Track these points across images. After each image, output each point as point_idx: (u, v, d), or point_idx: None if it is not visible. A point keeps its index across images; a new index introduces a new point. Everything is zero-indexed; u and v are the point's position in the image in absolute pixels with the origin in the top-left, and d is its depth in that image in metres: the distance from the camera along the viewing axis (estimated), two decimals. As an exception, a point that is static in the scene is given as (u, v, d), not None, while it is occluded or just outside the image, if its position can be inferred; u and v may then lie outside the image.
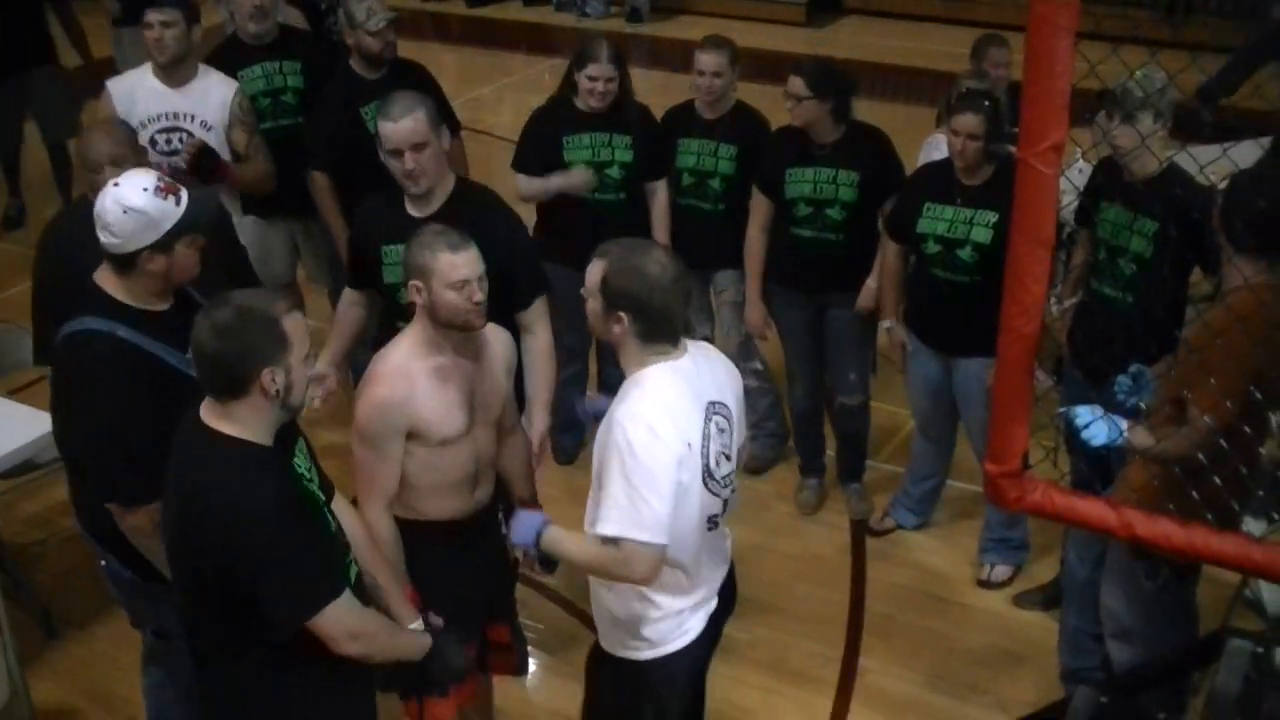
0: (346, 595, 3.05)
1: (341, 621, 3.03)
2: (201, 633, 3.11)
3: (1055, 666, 4.66)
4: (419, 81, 5.53)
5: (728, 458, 3.41)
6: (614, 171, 5.43)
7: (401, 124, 4.13)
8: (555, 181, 5.44)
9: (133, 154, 4.17)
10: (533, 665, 4.78)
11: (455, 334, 3.59)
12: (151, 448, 3.34)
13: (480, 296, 3.53)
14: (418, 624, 3.47)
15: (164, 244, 3.46)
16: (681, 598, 3.43)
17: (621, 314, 3.27)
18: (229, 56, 5.76)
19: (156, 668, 4.10)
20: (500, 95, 10.98)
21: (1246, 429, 3.59)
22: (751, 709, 4.67)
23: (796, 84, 5.10)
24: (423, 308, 3.55)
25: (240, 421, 2.97)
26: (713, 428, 3.34)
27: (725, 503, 3.45)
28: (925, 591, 5.31)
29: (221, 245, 4.32)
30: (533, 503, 3.97)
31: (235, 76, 5.63)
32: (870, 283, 5.29)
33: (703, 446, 3.30)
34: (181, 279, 3.57)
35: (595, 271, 3.33)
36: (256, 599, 2.93)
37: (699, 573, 3.44)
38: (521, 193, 5.52)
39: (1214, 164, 3.69)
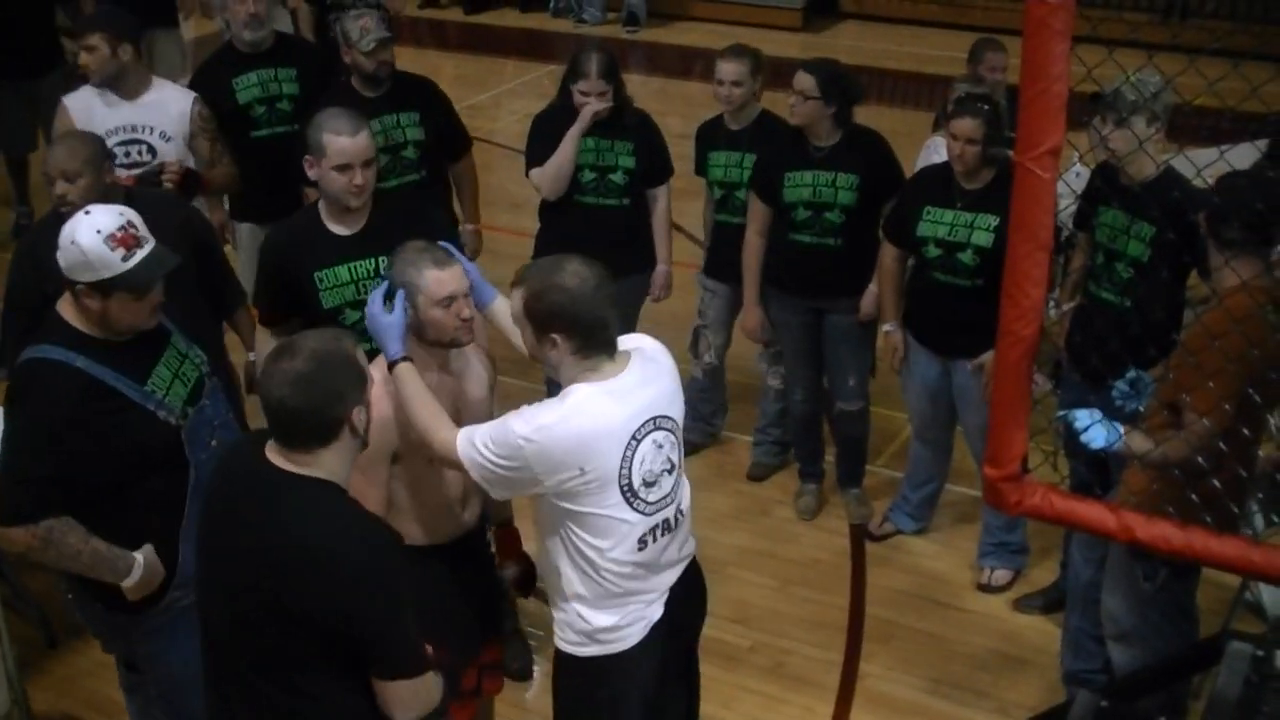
0: (435, 674, 2.98)
1: (421, 692, 2.94)
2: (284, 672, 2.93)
3: (1056, 670, 4.66)
4: (426, 98, 5.55)
5: (669, 471, 3.35)
6: (617, 177, 5.42)
7: (358, 139, 4.10)
8: (574, 130, 5.32)
9: (89, 169, 4.13)
10: (535, 673, 4.79)
11: (440, 351, 3.55)
12: (65, 472, 3.38)
13: (468, 313, 3.49)
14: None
15: (100, 288, 3.40)
16: (609, 613, 3.38)
17: (554, 335, 3.22)
18: (224, 64, 5.78)
19: (133, 695, 4.09)
20: (498, 102, 10.98)
21: (1245, 431, 3.59)
22: (753, 714, 4.66)
23: (806, 81, 5.08)
24: (408, 326, 3.49)
25: (325, 466, 2.88)
26: (648, 445, 3.29)
27: (668, 520, 3.40)
28: (925, 596, 5.31)
29: (201, 262, 4.32)
30: (509, 526, 3.97)
31: (230, 84, 5.65)
32: (873, 288, 5.28)
33: (622, 467, 3.24)
34: (120, 325, 3.49)
35: (516, 300, 3.29)
36: (366, 648, 2.85)
37: (630, 584, 3.38)
38: (543, 183, 5.43)
39: (1211, 167, 3.69)
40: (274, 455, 2.90)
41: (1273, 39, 9.82)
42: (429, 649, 3.54)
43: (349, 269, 4.20)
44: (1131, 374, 3.82)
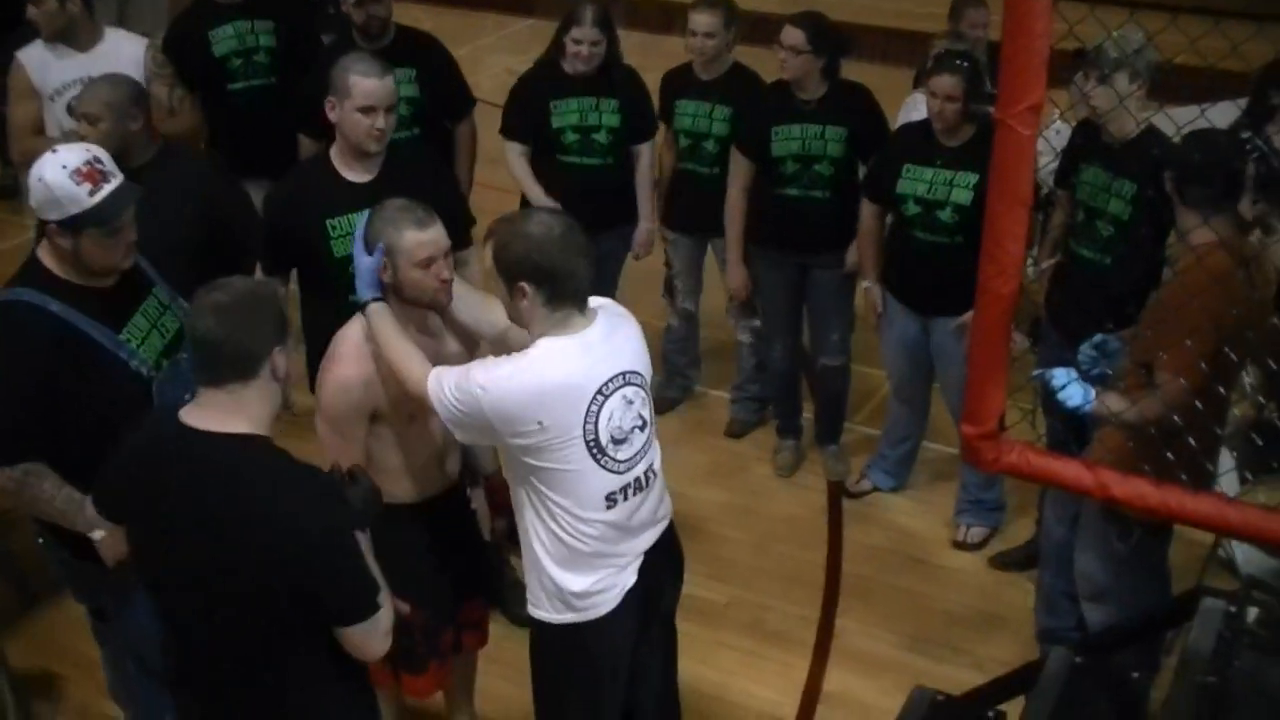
0: (384, 594, 2.96)
1: (385, 617, 2.94)
2: (253, 646, 2.93)
3: (1031, 626, 4.69)
4: (425, 56, 5.49)
5: (640, 429, 3.31)
6: (601, 136, 5.39)
7: (385, 81, 4.08)
8: (534, 192, 5.37)
9: (110, 114, 4.14)
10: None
11: (418, 311, 3.52)
12: (39, 416, 3.38)
13: (448, 274, 3.46)
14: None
15: (69, 226, 3.40)
16: (580, 575, 3.35)
17: (522, 284, 3.18)
18: (200, 16, 5.72)
19: (104, 646, 4.08)
20: (477, 56, 10.88)
21: (1219, 389, 3.60)
22: (731, 670, 4.68)
23: (795, 36, 5.06)
24: (386, 285, 3.46)
25: (248, 412, 2.86)
26: (617, 400, 3.25)
27: (639, 478, 3.35)
28: (902, 553, 5.33)
29: (216, 236, 4.25)
30: (499, 476, 3.94)
31: (206, 36, 5.58)
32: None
33: (586, 423, 3.21)
34: (94, 265, 3.47)
35: (486, 255, 3.27)
36: (317, 601, 2.84)
37: (602, 547, 3.34)
38: (511, 165, 5.48)
39: (1192, 125, 3.69)
40: (194, 417, 2.87)
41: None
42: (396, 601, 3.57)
43: (362, 216, 4.15)
44: (1098, 338, 3.82)
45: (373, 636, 2.93)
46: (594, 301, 3.35)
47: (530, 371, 3.18)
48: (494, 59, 10.56)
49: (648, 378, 3.39)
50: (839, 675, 4.71)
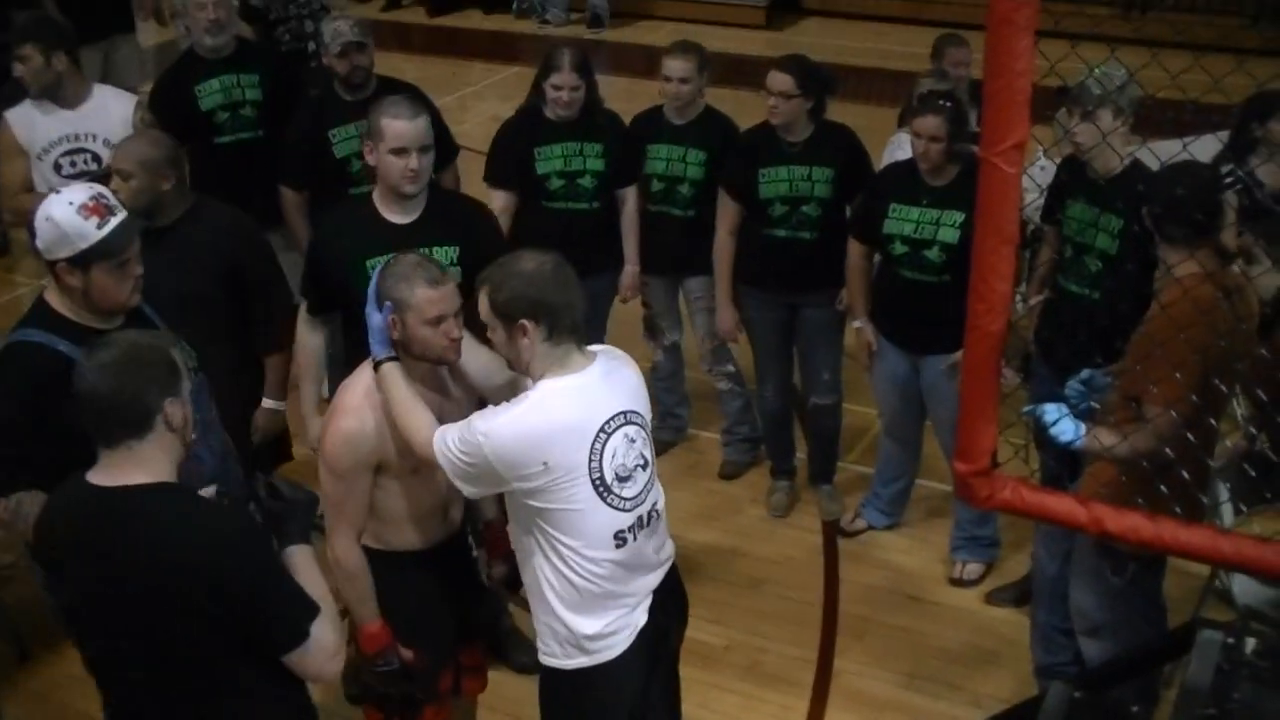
0: (324, 612, 2.97)
1: (326, 638, 2.93)
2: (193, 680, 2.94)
3: (1028, 662, 4.67)
4: None
5: (643, 467, 3.33)
6: (586, 181, 5.41)
7: (417, 123, 4.13)
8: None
9: (142, 172, 4.23)
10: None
11: (424, 366, 3.52)
12: (42, 454, 3.40)
13: (457, 334, 3.47)
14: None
15: (79, 262, 3.46)
16: (592, 617, 3.35)
17: (523, 321, 3.21)
18: (186, 70, 5.75)
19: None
20: (463, 104, 10.94)
21: (1210, 420, 3.61)
22: (730, 714, 4.66)
23: (784, 81, 5.09)
24: (394, 340, 3.46)
25: (148, 466, 2.85)
26: (619, 439, 3.28)
27: (644, 516, 3.37)
28: (898, 591, 5.32)
29: (235, 292, 4.35)
30: (500, 523, 3.94)
31: (193, 91, 5.62)
32: None
33: (590, 461, 3.23)
34: (104, 302, 3.53)
35: (482, 300, 3.29)
36: (250, 634, 2.86)
37: (613, 587, 3.35)
38: (495, 213, 5.49)
39: (1175, 158, 3.71)
40: (98, 476, 2.87)
41: (1233, 32, 9.89)
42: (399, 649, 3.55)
43: None
44: (1085, 374, 3.84)
45: (313, 660, 2.92)
46: (593, 347, 3.38)
47: (532, 413, 3.21)
48: (480, 106, 10.61)
49: (648, 418, 3.41)
50: (838, 716, 4.69)
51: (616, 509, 3.29)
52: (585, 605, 3.34)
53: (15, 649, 4.91)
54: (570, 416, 3.23)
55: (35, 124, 5.20)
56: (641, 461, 3.34)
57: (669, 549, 3.55)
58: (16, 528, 3.54)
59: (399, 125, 4.11)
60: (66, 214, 3.43)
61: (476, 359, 3.64)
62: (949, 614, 5.18)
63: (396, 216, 4.24)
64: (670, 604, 3.55)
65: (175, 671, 2.90)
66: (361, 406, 3.48)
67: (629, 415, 3.32)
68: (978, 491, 2.95)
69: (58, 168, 5.09)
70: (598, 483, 3.25)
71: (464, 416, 3.64)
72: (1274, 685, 2.93)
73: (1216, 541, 2.86)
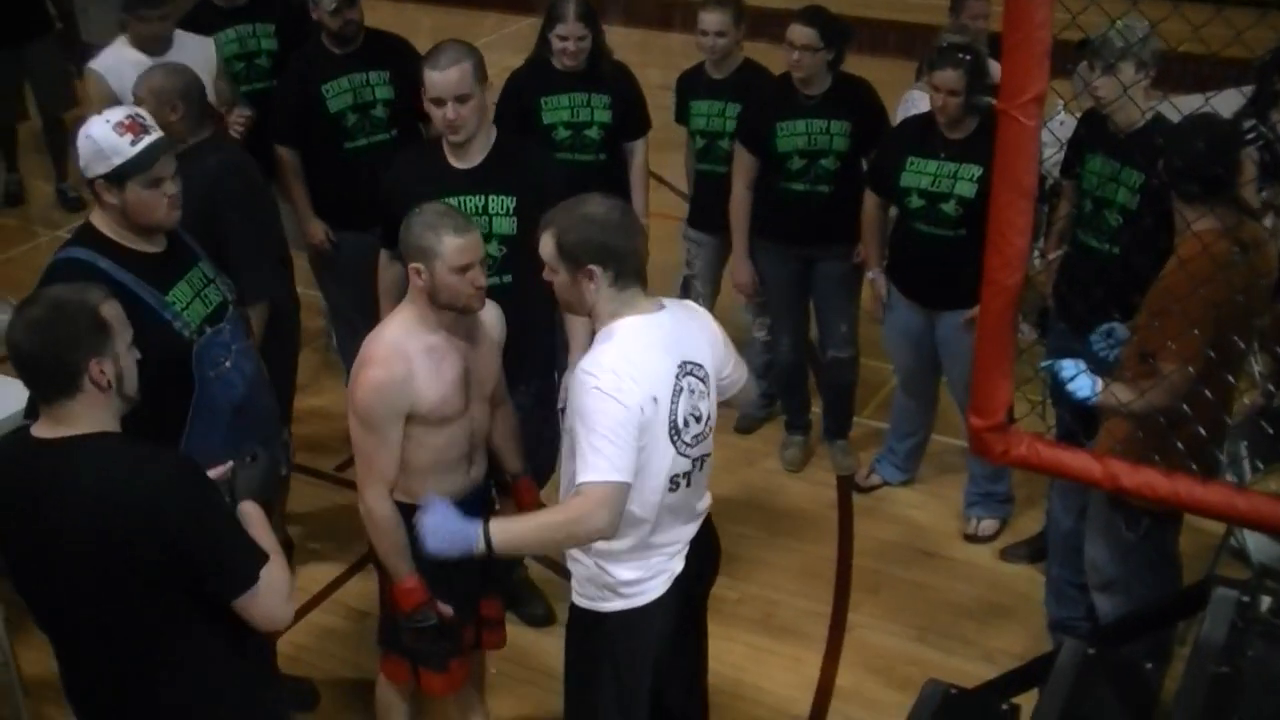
0: (274, 559, 2.94)
1: (276, 580, 2.91)
2: (142, 634, 2.91)
3: (1042, 619, 4.68)
4: (398, 58, 5.46)
5: (697, 419, 3.32)
6: (593, 132, 5.38)
7: (448, 73, 4.14)
8: None
9: (152, 99, 4.30)
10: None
11: (449, 314, 3.53)
12: None
13: (483, 281, 3.49)
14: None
15: (115, 178, 3.57)
16: (636, 558, 3.35)
17: (591, 266, 3.20)
18: (202, 19, 5.72)
19: None
20: (478, 55, 10.89)
21: (1227, 376, 3.60)
22: (741, 666, 4.68)
23: (807, 35, 5.04)
24: (421, 288, 3.48)
25: (84, 420, 2.82)
26: (684, 385, 3.28)
27: (694, 463, 3.37)
28: (912, 546, 5.33)
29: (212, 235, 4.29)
30: (525, 477, 3.95)
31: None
32: None
33: (671, 402, 3.23)
34: (141, 219, 3.64)
35: (547, 242, 3.25)
36: (197, 579, 2.83)
37: (657, 533, 3.36)
38: None
39: (1197, 112, 3.68)
40: (39, 429, 2.86)
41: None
42: (438, 604, 3.54)
43: (458, 202, 4.17)
44: (1106, 326, 3.82)
45: (263, 603, 2.88)
46: (667, 301, 3.38)
47: (631, 344, 3.19)
48: (493, 57, 10.45)
49: (713, 376, 3.39)
50: (851, 669, 4.71)
51: (680, 453, 3.30)
52: (629, 554, 3.34)
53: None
54: (658, 352, 3.23)
55: (124, 75, 5.14)
56: (697, 413, 3.32)
57: (707, 500, 3.56)
58: None
59: (433, 76, 4.16)
60: (103, 131, 3.55)
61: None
62: (962, 569, 5.18)
63: (459, 161, 4.28)
64: (704, 553, 3.57)
65: (120, 631, 2.88)
66: (389, 356, 3.49)
67: (690, 366, 3.31)
68: (993, 447, 2.94)
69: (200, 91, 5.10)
70: (672, 425, 3.25)
71: (493, 366, 3.70)
72: (1288, 643, 2.93)
73: (1232, 499, 2.86)
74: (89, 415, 2.82)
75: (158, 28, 5.29)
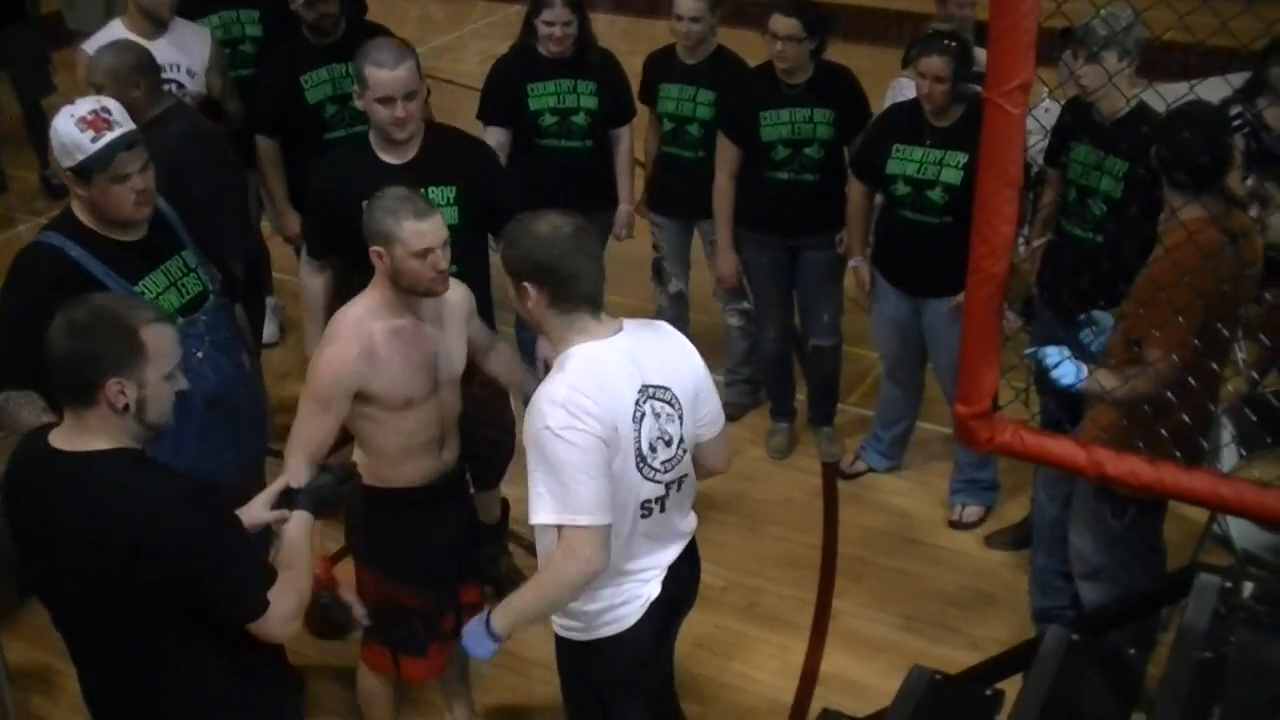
0: (289, 574, 2.93)
1: (280, 607, 2.87)
2: (137, 645, 2.88)
3: (1026, 605, 4.70)
4: None
5: (666, 443, 3.19)
6: (580, 119, 5.38)
7: (397, 72, 4.09)
8: None
9: (112, 81, 4.31)
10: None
11: (414, 298, 3.53)
12: (29, 349, 3.38)
13: (444, 264, 3.47)
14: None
15: (80, 173, 3.57)
16: (607, 585, 3.23)
17: (525, 284, 3.08)
18: (188, 4, 5.68)
19: None
20: (462, 43, 10.88)
21: (1212, 365, 3.61)
22: (728, 654, 4.69)
23: (790, 25, 5.03)
24: (384, 272, 3.48)
25: (99, 435, 2.76)
26: (647, 410, 3.14)
27: (668, 487, 3.25)
28: (897, 534, 5.34)
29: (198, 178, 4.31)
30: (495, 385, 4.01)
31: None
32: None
33: (634, 429, 3.11)
34: (108, 213, 3.64)
35: (501, 253, 3.19)
36: (198, 601, 2.79)
37: (630, 559, 3.25)
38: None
39: (1182, 100, 3.68)
40: (58, 439, 2.80)
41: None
42: (401, 596, 3.55)
43: None
44: (1086, 314, 3.83)
45: (263, 628, 2.87)
46: (630, 322, 3.24)
47: (586, 372, 3.07)
48: (479, 44, 10.54)
49: (684, 396, 3.24)
50: (836, 657, 4.72)
51: (648, 479, 3.19)
52: (598, 582, 3.18)
53: (16, 587, 4.93)
54: (618, 375, 3.11)
55: None
56: (667, 437, 3.20)
57: (691, 521, 3.45)
58: (2, 424, 3.60)
59: (381, 74, 4.08)
60: (67, 126, 3.56)
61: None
62: (948, 557, 5.20)
63: (392, 157, 4.22)
64: (687, 576, 3.48)
65: (120, 638, 2.87)
66: (352, 334, 3.49)
67: (655, 390, 3.17)
68: (978, 434, 2.95)
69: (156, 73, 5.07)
70: (638, 451, 3.13)
71: (462, 346, 3.68)
72: (1271, 629, 2.94)
73: (1217, 486, 2.87)
74: (104, 431, 2.76)
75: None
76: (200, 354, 3.83)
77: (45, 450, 2.80)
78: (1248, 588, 3.04)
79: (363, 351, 3.46)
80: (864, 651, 4.72)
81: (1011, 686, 3.26)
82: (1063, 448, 2.98)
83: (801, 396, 5.90)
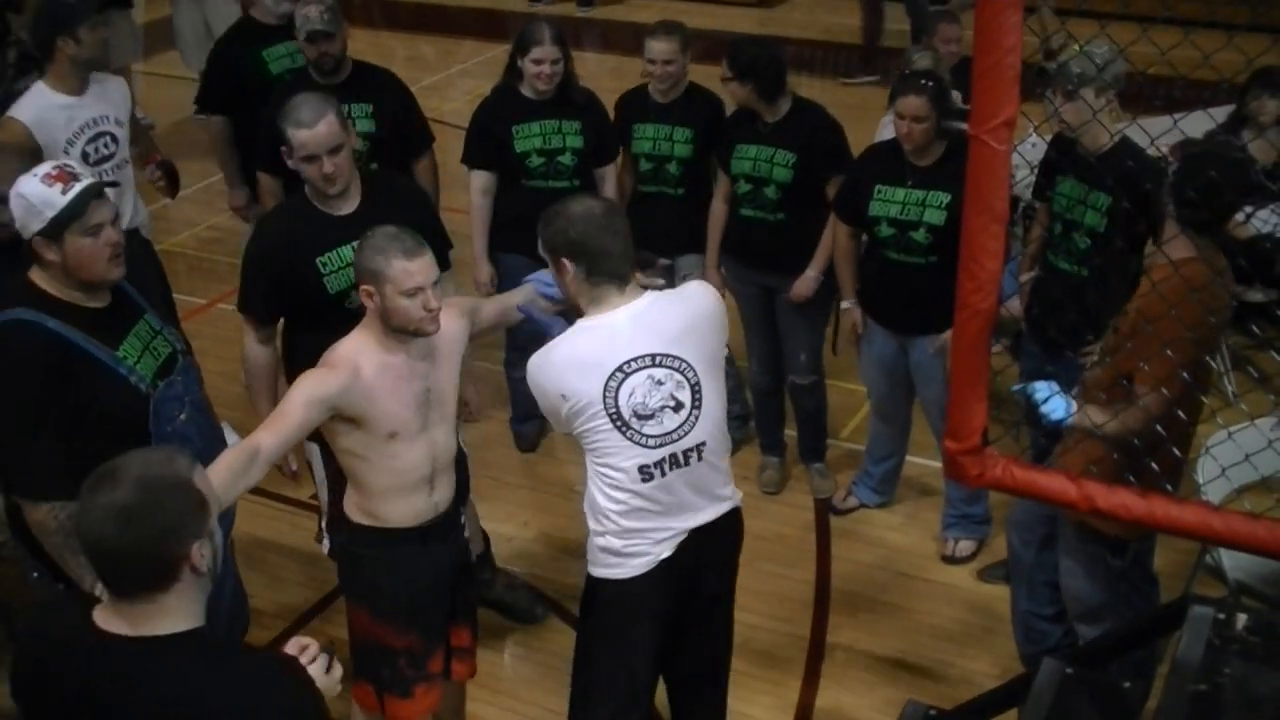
0: None
1: None
2: None
3: (1019, 641, 4.69)
4: (382, 91, 5.48)
5: (674, 409, 3.44)
6: (566, 159, 5.39)
7: (317, 130, 4.03)
8: (478, 244, 5.51)
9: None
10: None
11: (406, 337, 3.53)
12: (64, 443, 3.38)
13: (435, 304, 3.47)
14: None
15: (51, 232, 3.45)
16: (616, 535, 3.51)
17: (563, 260, 3.41)
18: (247, 38, 5.89)
19: None
20: (450, 82, 10.91)
21: (1200, 397, 3.61)
22: (720, 691, 4.67)
23: (724, 65, 5.12)
24: (374, 312, 3.49)
25: (172, 615, 2.39)
26: (640, 379, 3.39)
27: (673, 455, 3.46)
28: (890, 568, 5.33)
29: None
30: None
31: (260, 56, 5.82)
32: (810, 272, 5.26)
33: (605, 400, 3.37)
34: (83, 273, 3.50)
35: (539, 233, 3.50)
36: None
37: (636, 519, 3.49)
38: (471, 203, 5.50)
39: (1165, 135, 3.70)
40: (107, 618, 2.41)
41: (1223, 7, 9.86)
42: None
43: (352, 248, 4.02)
44: (1040, 384, 3.74)
45: None
46: (657, 294, 3.55)
47: (551, 353, 3.45)
48: (467, 83, 10.57)
49: (696, 362, 3.49)
50: (831, 693, 4.70)
51: (639, 445, 3.42)
52: (615, 522, 3.50)
53: (5, 629, 4.90)
54: (586, 352, 3.41)
55: (51, 120, 5.01)
56: (671, 404, 3.44)
57: (724, 493, 3.65)
58: (51, 540, 3.49)
59: (301, 134, 4.03)
60: (32, 185, 3.46)
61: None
62: (941, 591, 5.19)
63: (334, 209, 4.18)
64: (713, 546, 3.66)
65: None
66: (341, 362, 3.51)
67: (659, 358, 3.42)
68: (968, 470, 2.96)
69: (85, 156, 5.00)
70: (614, 417, 3.39)
71: (454, 384, 3.74)
72: (1264, 661, 2.93)
73: (1208, 518, 2.88)
74: (182, 608, 2.40)
75: (100, 41, 5.07)
76: (183, 415, 3.75)
77: (97, 637, 2.40)
78: (1241, 619, 3.04)
79: (348, 376, 3.47)
80: (858, 687, 4.71)
81: (1006, 721, 3.26)
82: (1053, 482, 2.99)
83: (791, 431, 5.90)
